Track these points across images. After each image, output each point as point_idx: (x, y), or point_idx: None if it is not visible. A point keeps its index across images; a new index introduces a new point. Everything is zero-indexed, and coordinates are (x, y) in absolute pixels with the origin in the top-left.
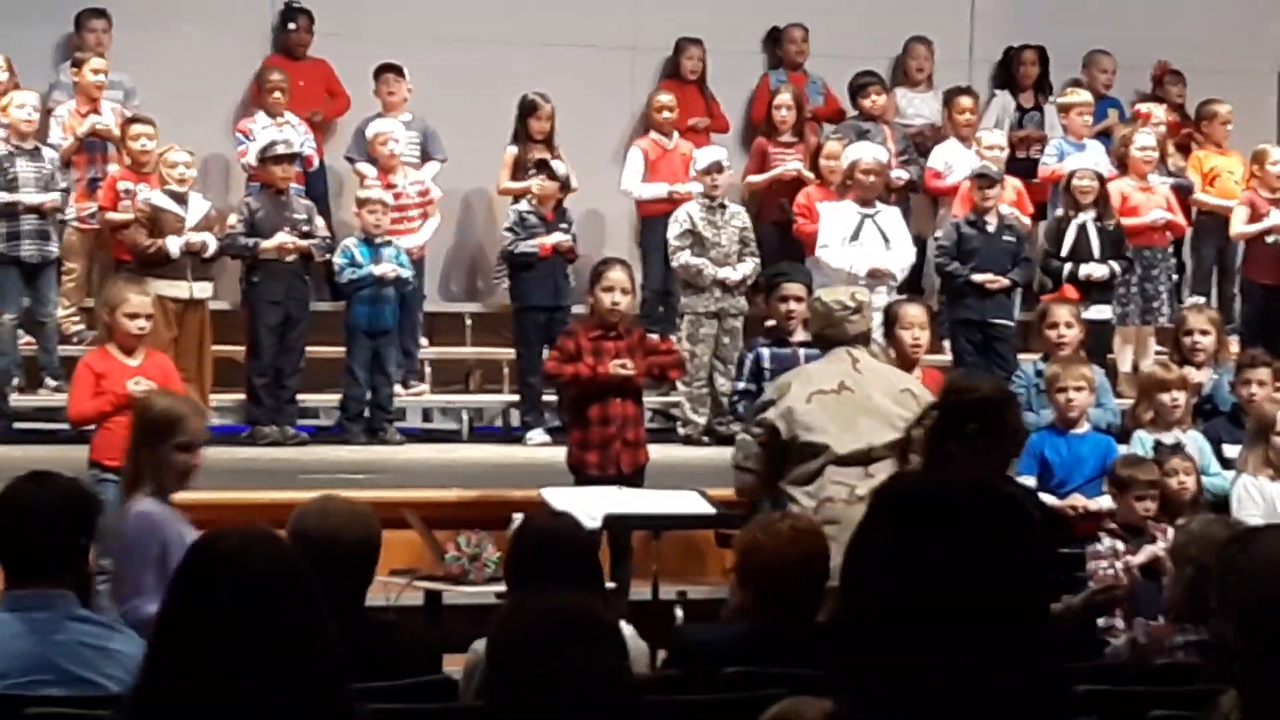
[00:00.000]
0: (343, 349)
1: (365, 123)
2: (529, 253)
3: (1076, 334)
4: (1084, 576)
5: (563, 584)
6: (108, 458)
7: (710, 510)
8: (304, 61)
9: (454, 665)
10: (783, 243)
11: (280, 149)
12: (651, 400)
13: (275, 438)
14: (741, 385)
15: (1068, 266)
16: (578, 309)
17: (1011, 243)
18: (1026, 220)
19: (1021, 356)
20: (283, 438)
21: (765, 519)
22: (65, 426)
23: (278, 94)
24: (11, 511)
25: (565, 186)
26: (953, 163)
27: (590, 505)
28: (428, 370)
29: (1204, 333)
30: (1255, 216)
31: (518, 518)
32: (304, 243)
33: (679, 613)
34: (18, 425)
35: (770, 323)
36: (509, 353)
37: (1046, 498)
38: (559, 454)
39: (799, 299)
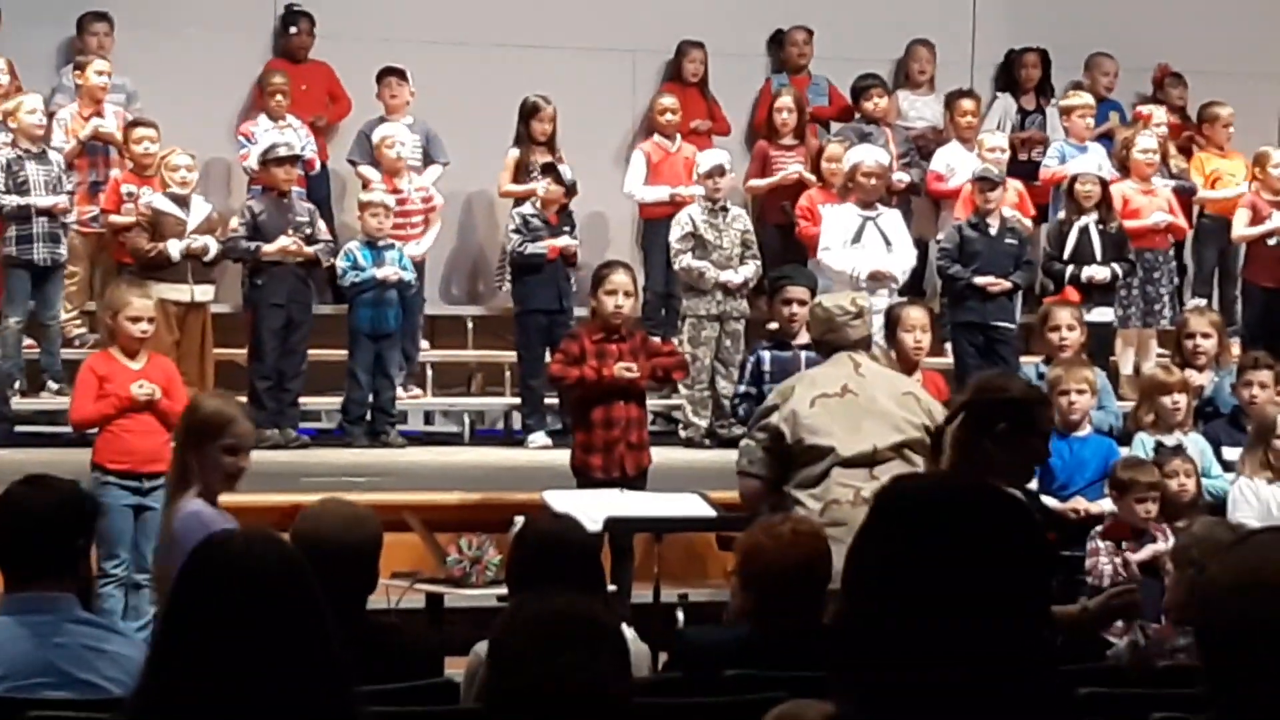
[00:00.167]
0: (345, 352)
1: (368, 125)
2: (537, 255)
3: (1078, 336)
4: (1084, 577)
5: (565, 586)
6: (110, 461)
7: (711, 513)
8: (306, 64)
9: (455, 668)
10: (785, 245)
11: (281, 151)
12: (653, 403)
13: (277, 440)
14: (743, 388)
15: (1070, 269)
16: (579, 312)
17: (1013, 245)
18: (1028, 223)
19: (1023, 359)
20: (284, 441)
21: (767, 521)
22: (67, 430)
23: (279, 97)
24: (8, 515)
25: (571, 191)
26: (955, 165)
27: (591, 508)
28: (429, 373)
29: (1205, 335)
30: (1257, 219)
31: (519, 520)
32: (309, 249)
33: (680, 615)
34: (19, 429)
35: (773, 325)
36: (510, 355)
37: (1048, 500)
38: (560, 457)
39: (802, 302)
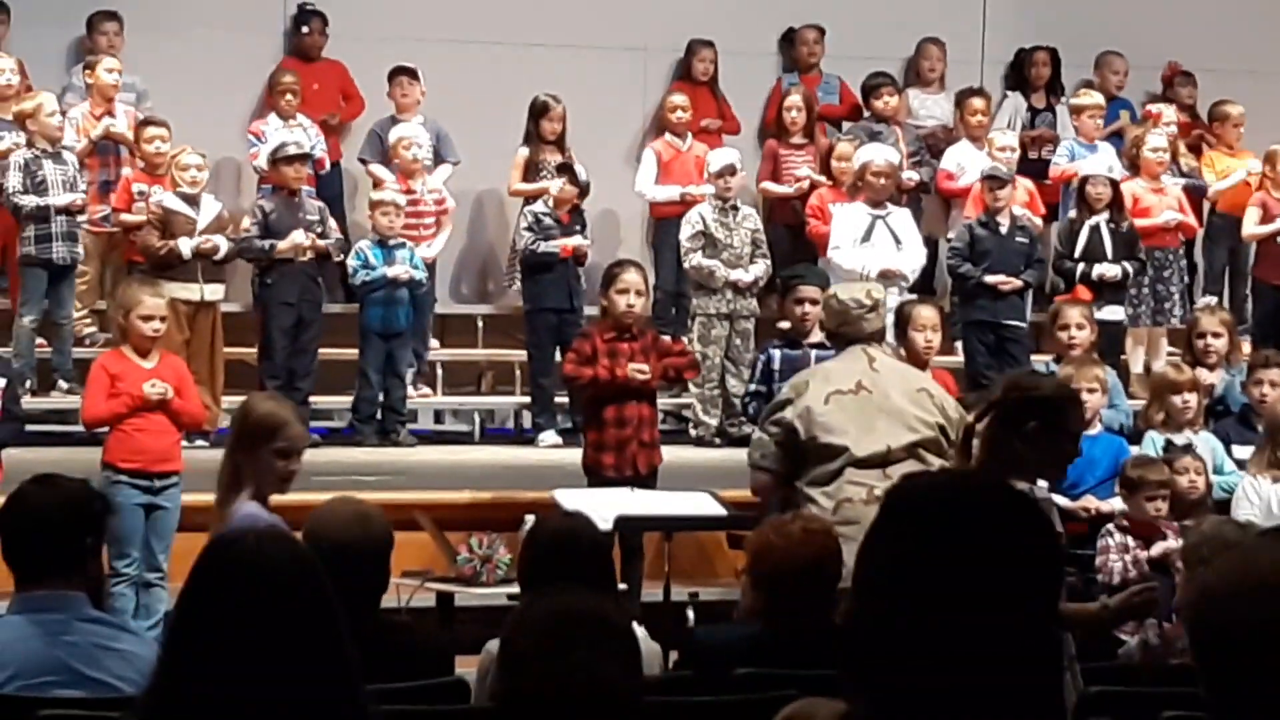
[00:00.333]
0: (355, 351)
1: (379, 124)
2: (550, 254)
3: (1088, 335)
4: (1094, 575)
5: (576, 585)
6: (121, 460)
7: (722, 512)
8: (319, 63)
9: (465, 667)
10: (795, 244)
11: (291, 150)
12: (663, 402)
13: None
14: (753, 387)
15: (1080, 267)
16: (589, 311)
17: (1024, 244)
18: (1038, 221)
19: (1034, 358)
20: None
21: (777, 520)
22: (78, 429)
23: (289, 96)
24: (17, 514)
25: (584, 192)
26: (965, 164)
27: (602, 507)
28: (439, 372)
29: (1216, 334)
30: (1267, 218)
31: (530, 519)
32: (321, 242)
33: (690, 614)
34: (30, 427)
35: (785, 324)
36: (521, 354)
37: (1059, 499)
38: (571, 455)
39: (814, 301)
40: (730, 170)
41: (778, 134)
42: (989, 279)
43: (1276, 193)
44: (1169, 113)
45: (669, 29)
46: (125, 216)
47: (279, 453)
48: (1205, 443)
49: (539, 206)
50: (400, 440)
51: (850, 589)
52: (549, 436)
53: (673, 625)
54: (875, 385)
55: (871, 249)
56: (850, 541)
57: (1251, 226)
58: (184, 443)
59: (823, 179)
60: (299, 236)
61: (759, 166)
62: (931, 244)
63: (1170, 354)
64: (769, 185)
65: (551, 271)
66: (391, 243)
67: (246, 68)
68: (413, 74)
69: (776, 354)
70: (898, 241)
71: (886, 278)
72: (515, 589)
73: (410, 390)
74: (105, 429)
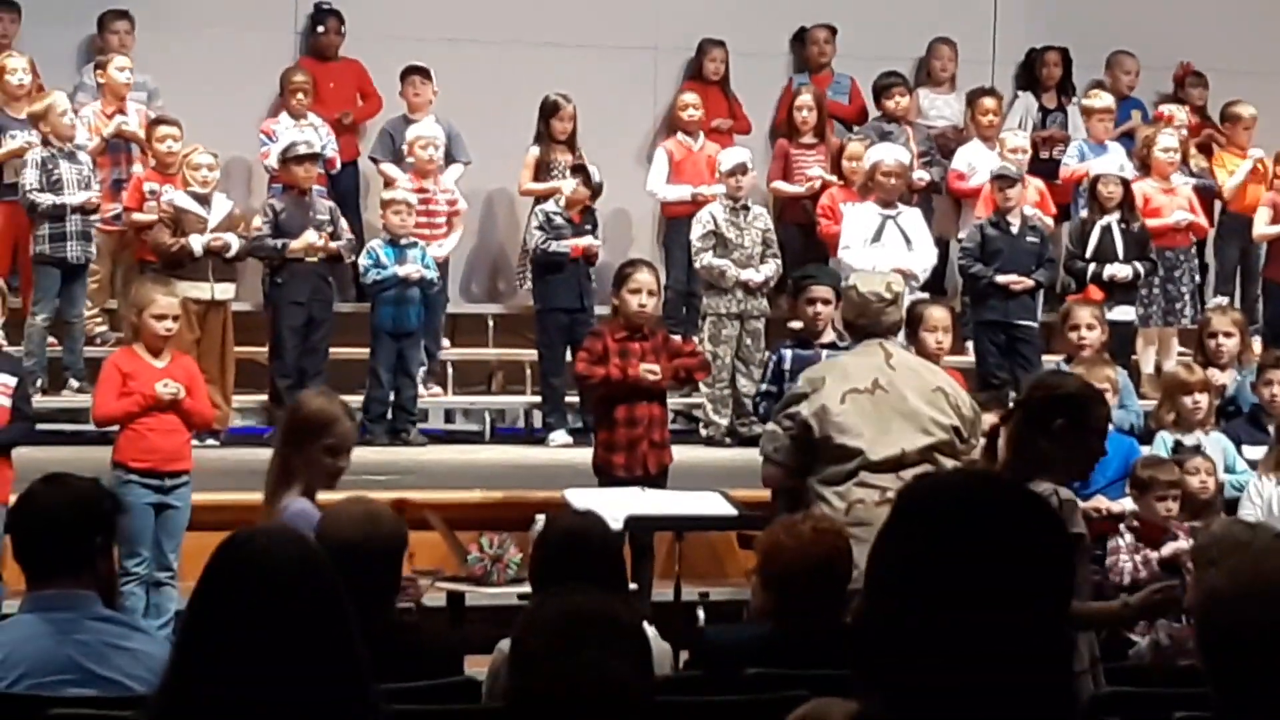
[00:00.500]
0: (366, 350)
1: (391, 123)
2: (561, 253)
3: (1099, 335)
4: (1103, 575)
5: (586, 584)
6: (131, 459)
7: (732, 512)
8: (335, 62)
9: (475, 667)
10: (806, 244)
11: (301, 149)
12: (674, 402)
13: None
14: (764, 386)
15: (1091, 267)
16: (600, 310)
17: (1035, 244)
18: (1049, 221)
19: (1044, 358)
20: None
21: (787, 520)
22: (89, 427)
23: (301, 95)
24: (28, 514)
25: (596, 193)
26: (976, 164)
27: (612, 506)
28: (450, 372)
29: (1228, 334)
30: (1278, 218)
31: (540, 519)
32: (334, 244)
33: (701, 614)
34: (41, 426)
35: (796, 324)
36: (531, 354)
37: None
38: (581, 455)
39: (826, 301)
40: (741, 170)
41: (789, 134)
42: (1000, 279)
43: None
44: (1180, 113)
45: (680, 29)
46: (136, 215)
47: (328, 449)
48: (1216, 443)
49: (550, 206)
50: (411, 439)
51: (862, 589)
52: (559, 436)
53: (683, 625)
54: (891, 385)
55: (882, 249)
56: (862, 543)
57: (1262, 227)
58: (194, 442)
59: (834, 179)
60: (312, 236)
61: (770, 166)
62: (942, 244)
63: (1181, 354)
64: (780, 185)
65: (562, 271)
66: (403, 242)
67: (258, 67)
68: (425, 73)
69: (788, 354)
70: (908, 241)
71: None
72: (526, 588)
73: (421, 389)
74: (116, 428)
